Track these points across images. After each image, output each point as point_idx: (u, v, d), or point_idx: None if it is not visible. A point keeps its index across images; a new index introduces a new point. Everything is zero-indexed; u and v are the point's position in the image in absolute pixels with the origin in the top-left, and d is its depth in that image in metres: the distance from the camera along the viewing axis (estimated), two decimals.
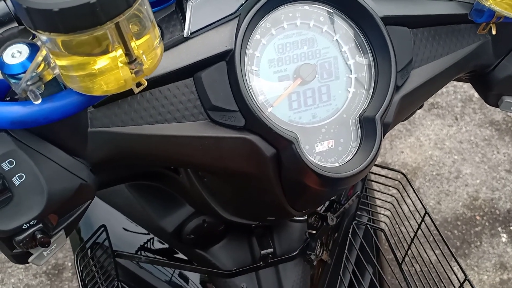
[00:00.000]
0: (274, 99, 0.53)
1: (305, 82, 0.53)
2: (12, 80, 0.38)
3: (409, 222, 0.93)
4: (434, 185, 2.05)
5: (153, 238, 0.91)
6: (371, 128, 0.53)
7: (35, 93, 0.38)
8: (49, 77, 0.39)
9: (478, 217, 1.98)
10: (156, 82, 0.49)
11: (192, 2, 0.51)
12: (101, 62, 0.37)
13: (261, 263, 0.81)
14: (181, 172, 0.71)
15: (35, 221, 0.43)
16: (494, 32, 0.56)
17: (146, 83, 0.41)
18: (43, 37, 0.35)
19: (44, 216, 0.44)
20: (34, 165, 0.43)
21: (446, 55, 0.58)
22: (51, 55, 0.38)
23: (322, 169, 0.51)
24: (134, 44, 0.37)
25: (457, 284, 0.79)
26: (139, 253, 0.91)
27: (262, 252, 0.80)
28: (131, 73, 0.38)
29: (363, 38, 0.55)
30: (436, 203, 2.01)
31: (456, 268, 0.84)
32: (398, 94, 0.55)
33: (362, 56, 0.55)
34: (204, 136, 0.50)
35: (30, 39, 0.41)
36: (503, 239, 1.93)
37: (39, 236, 0.43)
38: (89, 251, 0.88)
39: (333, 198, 0.97)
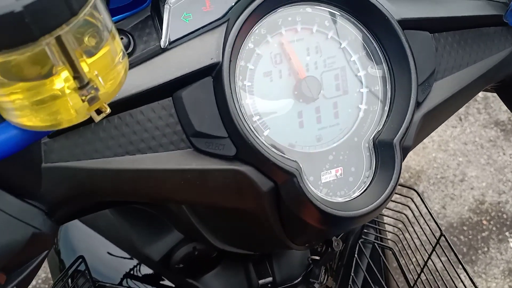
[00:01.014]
0: (271, 120, 0.45)
1: (307, 99, 0.46)
2: None
3: (420, 241, 0.87)
4: (438, 188, 2.01)
5: (139, 264, 0.85)
6: (388, 154, 0.44)
7: None
8: None
9: (485, 222, 1.94)
10: (126, 104, 0.41)
11: (170, 5, 0.42)
12: (43, 89, 0.28)
13: None
14: None
15: None
16: None
17: (108, 110, 0.32)
18: None
19: None
20: None
21: (474, 64, 0.50)
22: None
23: (330, 206, 0.43)
24: (84, 63, 0.28)
25: None
26: (124, 281, 0.84)
27: (260, 281, 0.74)
28: (83, 101, 0.29)
29: (376, 46, 0.47)
30: (441, 207, 1.97)
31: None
32: (419, 112, 0.46)
33: (375, 66, 0.47)
34: (186, 169, 0.42)
35: None
36: (511, 244, 1.86)
37: None
38: (69, 280, 0.81)
39: None
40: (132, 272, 0.85)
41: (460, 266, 0.78)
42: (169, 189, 0.44)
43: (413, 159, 2.08)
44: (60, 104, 0.29)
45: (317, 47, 0.46)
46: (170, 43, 0.42)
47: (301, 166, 0.43)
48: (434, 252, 0.84)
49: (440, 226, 0.78)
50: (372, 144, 0.46)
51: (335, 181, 0.45)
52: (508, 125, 2.15)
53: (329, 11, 0.47)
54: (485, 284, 1.84)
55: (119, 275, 0.85)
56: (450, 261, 0.83)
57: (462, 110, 2.22)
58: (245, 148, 0.42)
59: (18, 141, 0.31)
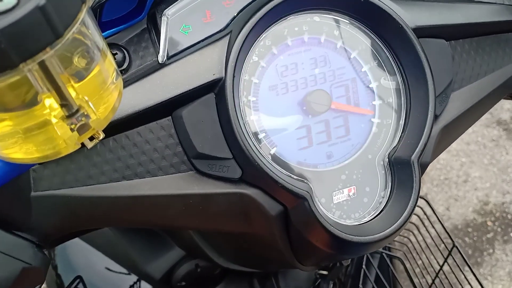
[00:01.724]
0: (278, 137, 0.42)
1: (316, 113, 0.44)
2: None
3: (430, 250, 0.85)
4: (442, 190, 2.00)
5: (140, 280, 0.83)
6: (405, 172, 0.42)
7: None
8: None
9: (489, 223, 1.93)
10: (122, 125, 0.38)
11: (167, 17, 0.39)
12: (27, 119, 0.25)
13: None
14: None
15: None
16: None
17: (101, 136, 0.29)
18: None
19: None
20: None
21: (493, 72, 0.47)
22: None
23: (343, 230, 0.40)
24: (72, 89, 0.25)
25: None
26: None
27: None
28: (73, 130, 0.26)
29: (388, 55, 0.44)
30: (445, 209, 1.96)
31: None
32: (437, 125, 0.43)
33: (388, 77, 0.44)
34: (188, 193, 0.40)
35: None
36: None
37: None
38: None
39: None
40: None
41: (471, 272, 0.76)
42: (170, 216, 0.41)
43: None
44: (46, 134, 0.26)
45: (325, 58, 0.44)
46: (169, 57, 0.39)
47: (311, 187, 0.40)
48: (448, 265, 0.82)
49: (452, 237, 0.76)
50: (387, 161, 0.43)
51: (348, 202, 0.42)
52: (510, 124, 2.14)
53: (338, 20, 0.44)
54: (491, 286, 1.82)
55: None
56: (461, 270, 0.81)
57: None
58: (251, 170, 0.39)
59: (2, 175, 0.28)
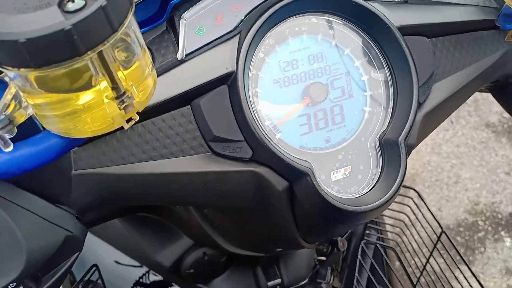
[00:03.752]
0: (282, 123, 0.47)
1: (315, 103, 0.48)
2: None
3: (422, 239, 0.89)
4: (434, 191, 2.02)
5: (148, 272, 0.86)
6: (393, 152, 0.47)
7: (4, 139, 0.32)
8: (21, 119, 0.32)
9: (480, 222, 1.95)
10: (149, 113, 0.43)
11: (185, 20, 0.45)
12: (83, 98, 0.31)
13: None
14: None
15: (14, 284, 0.38)
16: None
17: (137, 118, 0.35)
18: (10, 73, 0.29)
19: (24, 277, 0.38)
20: (10, 220, 0.37)
21: (470, 66, 0.52)
22: (21, 93, 0.31)
23: (341, 202, 0.45)
24: (121, 74, 0.30)
25: None
26: None
27: (269, 283, 0.76)
28: (120, 109, 0.31)
29: (377, 51, 0.50)
30: (437, 209, 1.98)
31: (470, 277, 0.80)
32: (421, 112, 0.49)
33: (377, 71, 0.50)
34: (206, 171, 0.45)
35: None
36: (507, 244, 1.90)
37: None
38: None
39: None
40: (142, 279, 0.86)
41: (462, 262, 0.80)
42: (190, 192, 0.46)
43: (407, 163, 2.10)
44: (98, 112, 0.32)
45: (322, 55, 0.49)
46: (187, 55, 0.44)
47: (312, 166, 0.46)
48: (435, 249, 0.86)
49: (440, 224, 0.81)
50: (378, 143, 0.49)
51: (344, 179, 0.48)
52: (498, 127, 2.18)
53: (332, 21, 0.49)
54: (483, 283, 1.85)
55: (129, 284, 0.85)
56: (452, 257, 0.85)
57: (453, 113, 2.25)
58: (261, 151, 0.44)
59: (58, 149, 0.34)
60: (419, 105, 0.49)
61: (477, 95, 2.36)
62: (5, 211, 0.37)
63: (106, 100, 0.31)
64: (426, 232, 0.88)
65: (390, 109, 0.49)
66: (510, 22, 0.49)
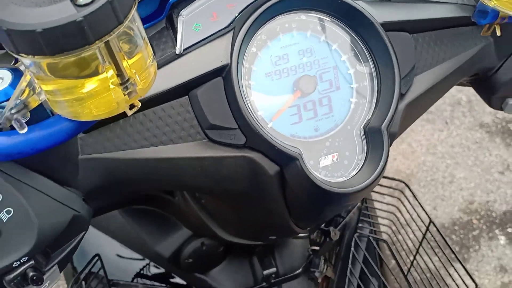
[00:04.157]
0: (274, 113, 0.50)
1: (304, 94, 0.51)
2: None
3: (412, 231, 0.92)
4: (429, 190, 2.04)
5: (149, 264, 0.89)
6: (377, 139, 0.50)
7: (20, 121, 0.35)
8: (34, 104, 0.36)
9: (475, 221, 1.97)
10: (150, 102, 0.46)
11: (183, 17, 0.48)
12: (91, 84, 0.34)
13: (264, 284, 0.79)
14: (176, 195, 0.68)
15: (26, 258, 0.40)
16: (498, 33, 0.54)
17: (140, 105, 0.38)
18: (26, 61, 0.32)
19: (35, 253, 0.41)
20: (23, 199, 0.40)
21: (449, 60, 0.56)
22: (36, 80, 0.35)
23: (329, 184, 0.48)
24: (126, 63, 0.34)
25: None
26: (135, 280, 0.88)
27: (265, 272, 0.78)
28: (124, 95, 0.35)
29: (363, 46, 0.53)
30: (432, 208, 2.00)
31: (462, 273, 0.82)
32: (403, 102, 0.52)
33: (363, 64, 0.53)
34: (203, 156, 0.48)
35: (12, 64, 0.38)
36: (501, 242, 1.92)
37: (31, 274, 0.40)
38: (83, 283, 0.84)
39: None
40: (142, 272, 0.89)
41: (451, 253, 0.82)
42: (188, 176, 0.49)
43: (403, 163, 2.11)
44: (104, 98, 0.35)
45: (311, 50, 0.52)
46: (184, 49, 0.47)
47: (302, 152, 0.49)
48: (426, 241, 0.89)
49: (429, 215, 0.84)
50: (363, 131, 0.52)
51: (332, 165, 0.51)
52: (492, 127, 2.20)
53: (320, 18, 0.52)
54: (478, 281, 1.85)
55: (129, 277, 0.87)
56: (441, 248, 0.87)
57: (447, 114, 2.27)
58: (254, 137, 0.47)
59: (68, 131, 0.37)
60: (401, 95, 0.52)
61: (471, 96, 2.39)
62: (18, 191, 0.40)
63: (112, 86, 0.34)
64: (416, 224, 0.91)
65: (374, 100, 0.52)
66: (484, 17, 0.52)
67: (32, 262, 0.41)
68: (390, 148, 0.51)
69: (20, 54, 0.31)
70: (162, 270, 0.88)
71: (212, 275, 0.81)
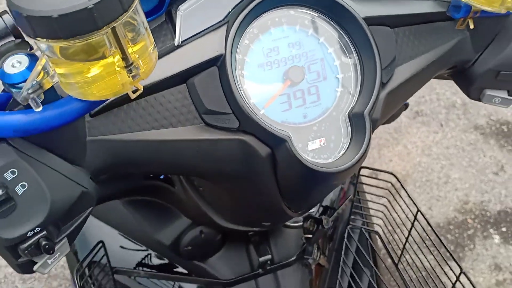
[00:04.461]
0: (266, 101, 0.54)
1: (294, 84, 0.55)
2: (13, 90, 0.39)
3: (403, 222, 0.94)
4: (424, 191, 2.06)
5: (150, 254, 0.91)
6: (360, 124, 0.54)
7: (36, 101, 0.40)
8: (48, 85, 0.40)
9: (469, 220, 1.99)
10: (151, 89, 0.50)
11: (181, 12, 0.52)
12: (99, 67, 0.38)
13: (260, 270, 0.82)
14: (176, 184, 0.72)
15: (39, 228, 0.44)
16: (471, 27, 0.59)
17: (142, 88, 0.43)
18: (42, 45, 0.37)
19: (47, 224, 0.45)
20: (36, 174, 0.44)
21: (428, 52, 0.60)
22: (50, 64, 0.39)
23: (316, 165, 0.52)
24: (130, 49, 0.38)
25: (453, 279, 0.80)
26: (137, 269, 0.91)
27: (260, 259, 0.81)
28: (128, 77, 0.39)
29: (347, 39, 0.57)
30: (427, 208, 2.02)
31: (452, 263, 0.85)
32: (384, 91, 0.56)
33: (348, 56, 0.57)
34: (200, 139, 0.52)
35: (28, 50, 0.42)
36: (496, 241, 1.94)
37: (43, 243, 0.44)
38: (86, 270, 0.87)
39: (326, 204, 0.98)
40: (143, 261, 0.92)
41: (435, 236, 0.84)
42: (186, 157, 0.53)
43: (398, 165, 2.14)
44: (111, 80, 0.39)
45: (300, 43, 0.56)
46: (182, 41, 0.51)
47: (291, 135, 0.52)
48: (416, 232, 0.92)
49: (416, 204, 0.87)
50: (347, 117, 0.56)
51: (319, 148, 0.55)
52: (486, 129, 2.23)
53: (308, 13, 0.56)
54: (473, 279, 1.86)
55: (131, 266, 0.90)
56: (431, 239, 0.90)
57: (442, 116, 2.30)
58: (246, 121, 0.51)
59: (79, 110, 0.41)
60: (383, 84, 0.56)
61: (465, 99, 2.42)
62: (32, 167, 0.44)
63: (117, 69, 0.39)
64: (406, 216, 0.94)
65: (358, 89, 0.56)
66: (458, 12, 0.57)
67: (44, 232, 0.44)
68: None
69: (38, 38, 0.35)
70: (162, 260, 0.90)
71: (210, 263, 0.84)
